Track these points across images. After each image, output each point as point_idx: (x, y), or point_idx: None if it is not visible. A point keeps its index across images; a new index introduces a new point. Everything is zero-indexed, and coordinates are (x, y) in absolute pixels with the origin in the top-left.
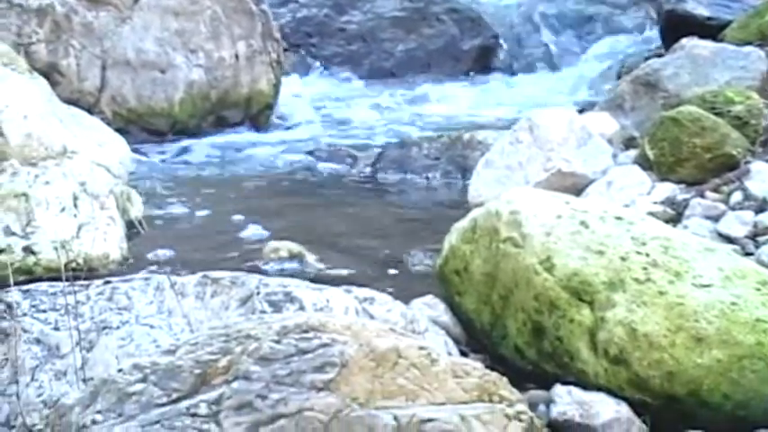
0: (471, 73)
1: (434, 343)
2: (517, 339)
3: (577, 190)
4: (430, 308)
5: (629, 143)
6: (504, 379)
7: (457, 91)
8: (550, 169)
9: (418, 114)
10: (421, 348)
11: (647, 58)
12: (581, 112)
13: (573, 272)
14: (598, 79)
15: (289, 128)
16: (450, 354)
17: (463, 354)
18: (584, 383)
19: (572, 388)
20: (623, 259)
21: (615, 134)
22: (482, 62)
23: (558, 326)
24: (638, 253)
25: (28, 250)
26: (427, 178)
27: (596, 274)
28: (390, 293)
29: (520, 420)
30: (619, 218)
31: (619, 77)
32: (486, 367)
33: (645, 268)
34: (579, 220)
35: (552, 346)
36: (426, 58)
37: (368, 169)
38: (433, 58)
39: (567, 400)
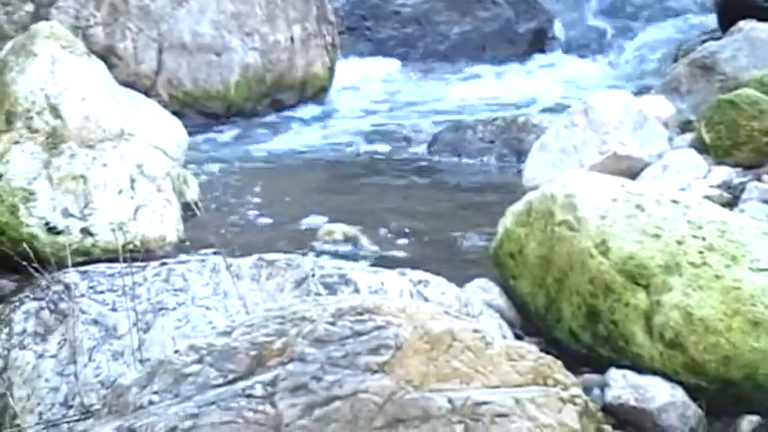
0: (526, 56)
1: (489, 326)
2: (572, 323)
3: (632, 174)
4: (484, 291)
5: (685, 126)
6: (559, 362)
7: (512, 74)
8: (606, 153)
9: (473, 97)
10: (475, 331)
11: (703, 41)
12: (637, 95)
13: (628, 255)
14: (654, 63)
15: (343, 111)
16: (504, 337)
17: (518, 337)
18: (639, 367)
19: (627, 372)
20: (679, 243)
21: (671, 117)
22: (537, 45)
23: (613, 309)
24: (695, 237)
25: (86, 232)
26: (481, 161)
27: (652, 257)
28: (445, 276)
29: (574, 404)
30: (675, 201)
31: (675, 60)
32: (541, 351)
33: (701, 252)
34: (635, 204)
35: (607, 329)
36: (481, 41)
37: (422, 152)
38: (487, 41)
39: (621, 384)
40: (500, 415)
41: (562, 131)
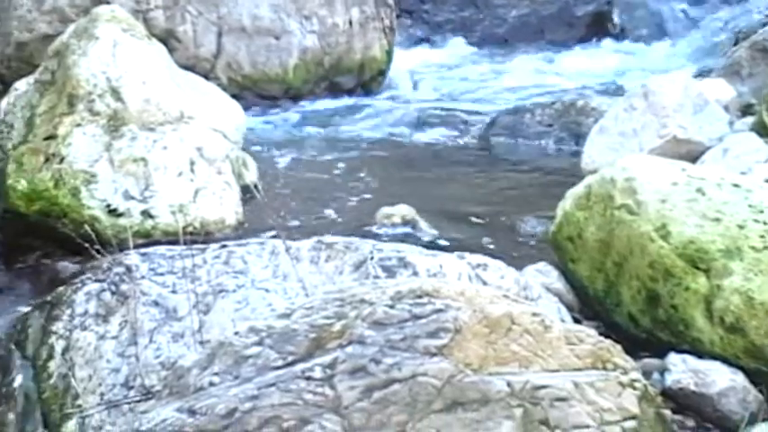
0: (584, 39)
1: (548, 310)
2: (631, 307)
3: (692, 157)
4: (543, 274)
5: (745, 110)
6: (618, 347)
7: (570, 57)
8: (665, 136)
9: (531, 81)
10: (534, 315)
11: (764, 25)
12: (697, 78)
13: (689, 239)
14: (714, 46)
15: (401, 94)
16: (563, 321)
17: (576, 321)
18: (699, 352)
19: (687, 356)
20: (740, 227)
21: (732, 101)
22: (595, 28)
23: (672, 294)
24: (756, 221)
25: (146, 214)
26: (540, 145)
27: (713, 241)
28: (503, 260)
29: (634, 388)
30: (736, 185)
31: (736, 44)
32: (600, 335)
33: (762, 236)
34: (695, 188)
35: (667, 314)
36: (539, 25)
37: (480, 135)
38: (545, 24)
39: (681, 369)
40: (559, 399)
41: (621, 115)
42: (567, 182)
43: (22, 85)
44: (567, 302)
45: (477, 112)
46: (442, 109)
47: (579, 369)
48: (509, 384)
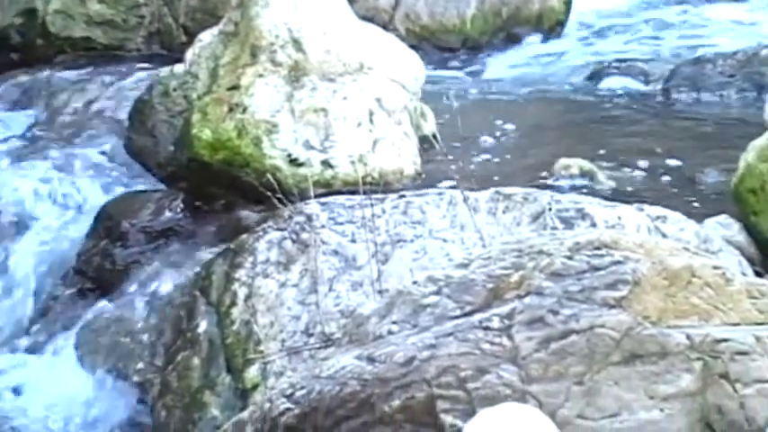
0: None
1: (729, 263)
2: None
3: None
4: (724, 227)
5: None
6: None
7: (753, 4)
8: None
9: (711, 30)
10: (715, 268)
11: None
12: None
13: None
14: None
15: (579, 44)
16: (744, 274)
17: (758, 274)
18: None
19: None
20: None
21: None
22: None
23: None
24: None
25: (326, 164)
26: (721, 96)
27: None
28: (683, 212)
29: None
30: None
31: None
32: None
33: None
34: None
35: None
36: None
37: (660, 86)
38: None
39: None
40: (740, 353)
41: None
42: (749, 133)
43: (206, 37)
44: (748, 256)
45: (657, 62)
46: (621, 59)
47: (761, 323)
48: (688, 337)
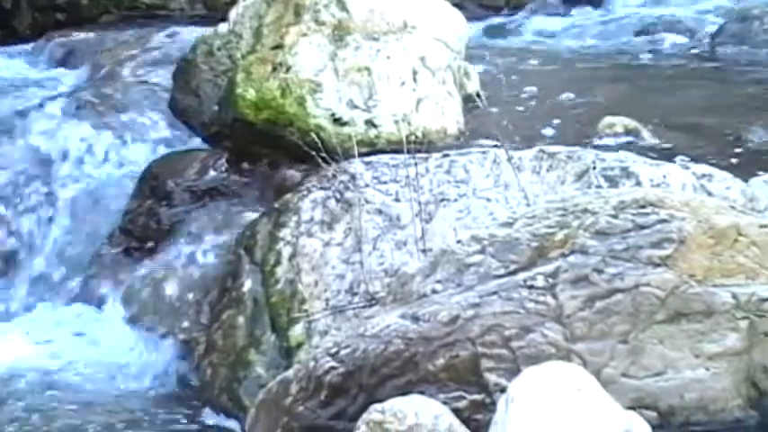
0: None
1: None
2: None
3: None
4: None
5: None
6: None
7: None
8: None
9: None
10: (761, 226)
11: None
12: None
13: None
14: None
15: (625, 3)
16: None
17: None
18: None
19: None
20: None
21: None
22: None
23: None
24: None
25: (370, 123)
26: None
27: None
28: (729, 170)
29: None
30: None
31: None
32: None
33: None
34: None
35: None
36: None
37: (706, 43)
38: None
39: None
40: None
41: None
42: None
43: None
44: None
45: (703, 20)
46: (668, 16)
47: None
48: (734, 296)
